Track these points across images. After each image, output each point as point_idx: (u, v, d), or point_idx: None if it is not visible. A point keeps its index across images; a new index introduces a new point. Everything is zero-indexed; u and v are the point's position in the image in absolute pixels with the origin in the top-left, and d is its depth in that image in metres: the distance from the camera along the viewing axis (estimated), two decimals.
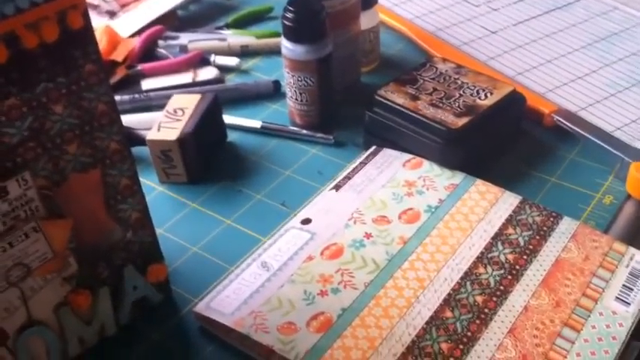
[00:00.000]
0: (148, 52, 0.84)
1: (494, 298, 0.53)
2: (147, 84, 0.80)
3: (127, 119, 0.72)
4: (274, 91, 0.79)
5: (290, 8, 0.68)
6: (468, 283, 0.55)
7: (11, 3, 0.38)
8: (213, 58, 0.83)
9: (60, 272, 0.47)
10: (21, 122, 0.42)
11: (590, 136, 0.68)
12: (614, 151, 0.66)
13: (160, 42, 0.85)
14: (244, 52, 0.85)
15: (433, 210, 0.61)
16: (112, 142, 0.47)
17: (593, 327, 0.51)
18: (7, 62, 0.40)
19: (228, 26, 0.90)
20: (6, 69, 0.40)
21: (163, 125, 0.66)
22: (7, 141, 0.41)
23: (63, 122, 0.44)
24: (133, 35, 0.86)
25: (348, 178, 0.65)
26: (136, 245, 0.52)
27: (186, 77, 0.80)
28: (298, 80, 0.70)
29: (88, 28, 0.43)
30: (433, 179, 0.64)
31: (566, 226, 0.59)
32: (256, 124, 0.73)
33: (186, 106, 0.68)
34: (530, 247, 0.57)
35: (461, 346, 0.50)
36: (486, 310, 0.53)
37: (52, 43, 0.41)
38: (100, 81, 0.45)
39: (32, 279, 0.46)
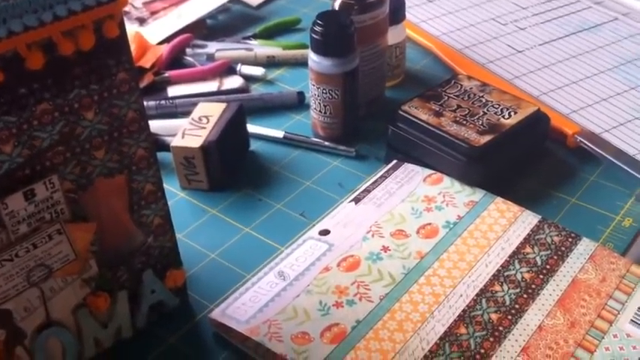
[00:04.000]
0: (176, 60, 0.85)
1: (509, 317, 0.54)
2: (173, 91, 0.81)
3: (152, 125, 0.72)
4: (298, 102, 0.79)
5: (319, 22, 0.69)
6: (484, 300, 0.55)
7: (50, 11, 0.40)
8: (239, 67, 0.84)
9: (80, 274, 0.48)
10: (52, 127, 0.43)
11: (612, 159, 0.68)
12: (636, 174, 0.66)
13: (188, 50, 0.87)
14: (270, 63, 0.86)
15: (451, 226, 0.61)
16: (139, 149, 0.48)
17: (607, 349, 0.51)
18: (43, 68, 0.41)
19: (255, 36, 0.91)
20: (41, 75, 0.41)
21: (188, 132, 0.67)
22: (37, 144, 0.43)
23: (92, 128, 0.45)
24: (161, 42, 0.87)
25: (367, 191, 0.65)
26: (156, 250, 0.53)
27: (212, 85, 0.81)
28: (323, 93, 0.71)
29: (123, 38, 0.44)
30: (453, 195, 0.64)
31: (585, 247, 0.59)
32: (279, 134, 0.74)
33: (211, 114, 0.69)
34: (548, 266, 0.57)
35: None
36: (500, 328, 0.53)
37: (88, 51, 0.42)
38: (131, 89, 0.46)
39: (53, 280, 0.47)
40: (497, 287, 0.56)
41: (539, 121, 0.70)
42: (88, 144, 0.45)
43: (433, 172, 0.67)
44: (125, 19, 0.94)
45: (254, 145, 0.74)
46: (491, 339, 0.52)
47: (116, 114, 0.46)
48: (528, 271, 0.57)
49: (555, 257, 0.58)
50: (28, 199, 0.43)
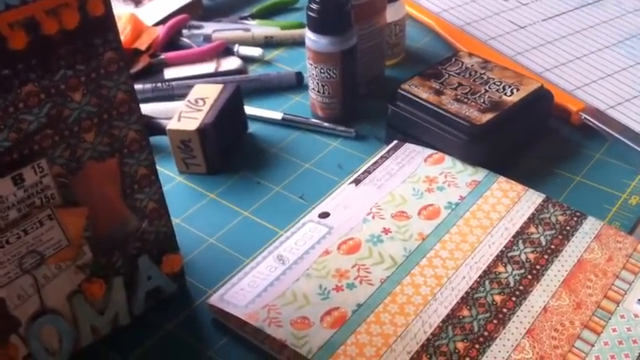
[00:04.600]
0: (172, 41, 0.84)
1: (513, 298, 0.52)
2: (169, 73, 0.79)
3: (149, 108, 0.72)
4: (297, 83, 0.78)
5: None
6: (487, 281, 0.54)
7: None
8: (236, 48, 0.83)
9: (74, 261, 0.47)
10: (39, 109, 0.42)
11: (618, 135, 0.67)
12: None
13: (184, 31, 0.85)
14: (268, 43, 0.85)
15: (454, 207, 0.60)
16: (130, 131, 0.47)
17: (614, 330, 0.50)
18: (27, 48, 0.39)
19: (252, 16, 0.90)
20: (25, 55, 0.40)
21: (184, 115, 0.66)
22: (24, 128, 0.41)
23: (81, 110, 0.44)
24: (157, 24, 0.86)
25: (368, 172, 0.64)
26: (152, 235, 0.51)
27: (209, 67, 0.80)
28: (321, 72, 0.69)
29: (108, 15, 0.42)
30: (455, 175, 0.63)
31: (590, 226, 0.58)
32: (277, 115, 0.73)
33: (207, 96, 0.68)
34: (552, 246, 0.56)
35: (477, 346, 0.49)
36: (504, 310, 0.52)
37: (72, 29, 0.41)
38: (119, 69, 0.44)
39: (46, 267, 0.46)
40: (500, 268, 0.55)
41: (542, 98, 0.68)
42: (76, 127, 0.44)
43: (434, 151, 0.65)
44: (120, 0, 0.92)
45: (252, 127, 0.73)
46: (495, 321, 0.51)
47: (105, 95, 0.44)
48: (533, 252, 0.56)
49: (560, 237, 0.57)
50: (17, 184, 0.42)
